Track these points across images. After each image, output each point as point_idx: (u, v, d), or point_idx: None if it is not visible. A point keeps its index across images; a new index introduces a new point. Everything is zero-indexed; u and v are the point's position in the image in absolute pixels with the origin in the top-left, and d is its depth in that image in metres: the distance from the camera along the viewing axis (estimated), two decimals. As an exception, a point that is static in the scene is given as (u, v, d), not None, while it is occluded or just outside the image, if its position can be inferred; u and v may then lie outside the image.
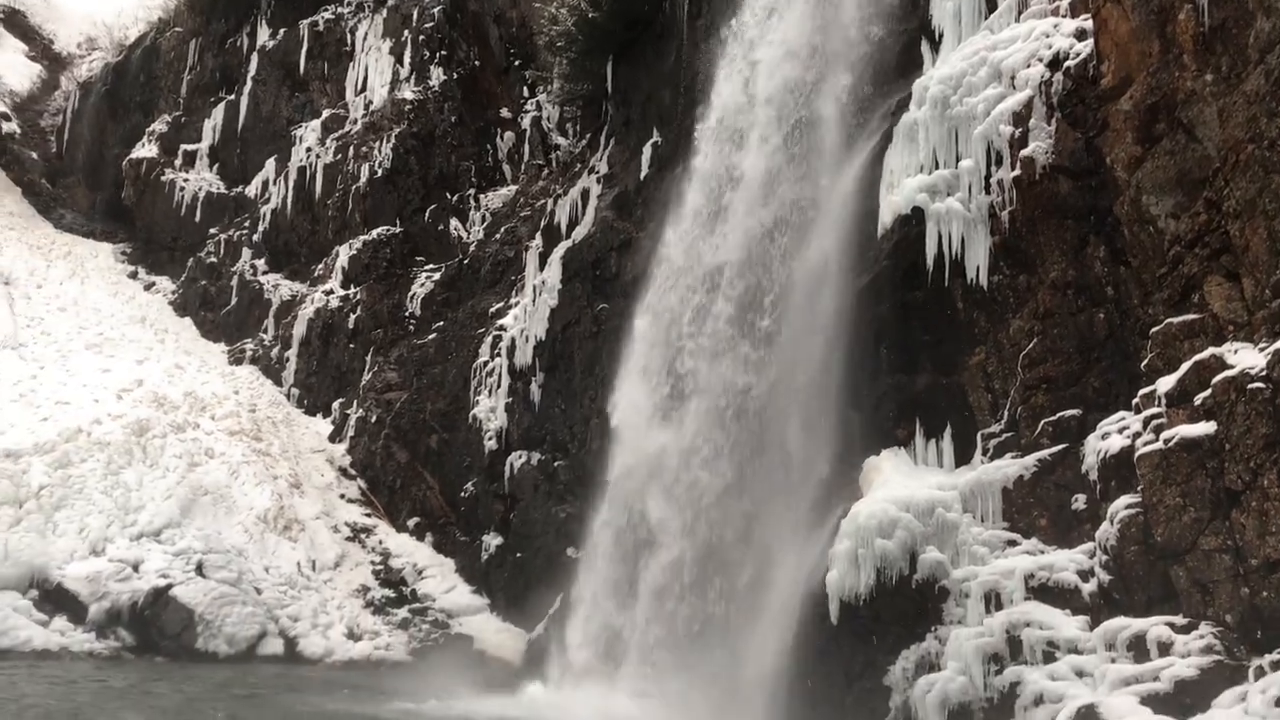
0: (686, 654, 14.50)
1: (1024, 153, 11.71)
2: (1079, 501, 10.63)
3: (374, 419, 25.12)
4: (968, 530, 11.19)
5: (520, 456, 21.58)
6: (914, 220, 12.66)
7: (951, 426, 12.43)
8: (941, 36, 13.69)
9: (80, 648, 17.40)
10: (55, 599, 18.11)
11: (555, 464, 21.02)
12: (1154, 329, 10.05)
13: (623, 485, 16.58)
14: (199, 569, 19.10)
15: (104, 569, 18.55)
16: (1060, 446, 10.92)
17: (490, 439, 22.34)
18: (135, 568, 18.79)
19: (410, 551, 22.53)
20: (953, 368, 12.72)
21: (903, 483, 11.94)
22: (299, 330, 28.70)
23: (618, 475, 16.82)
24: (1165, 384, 9.52)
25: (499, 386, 22.61)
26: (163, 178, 35.32)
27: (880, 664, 11.21)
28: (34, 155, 39.06)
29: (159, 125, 36.99)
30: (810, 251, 14.60)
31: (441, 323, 26.31)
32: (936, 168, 12.73)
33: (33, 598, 17.98)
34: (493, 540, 21.69)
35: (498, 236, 26.93)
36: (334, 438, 26.11)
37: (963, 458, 12.20)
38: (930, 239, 12.44)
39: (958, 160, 12.53)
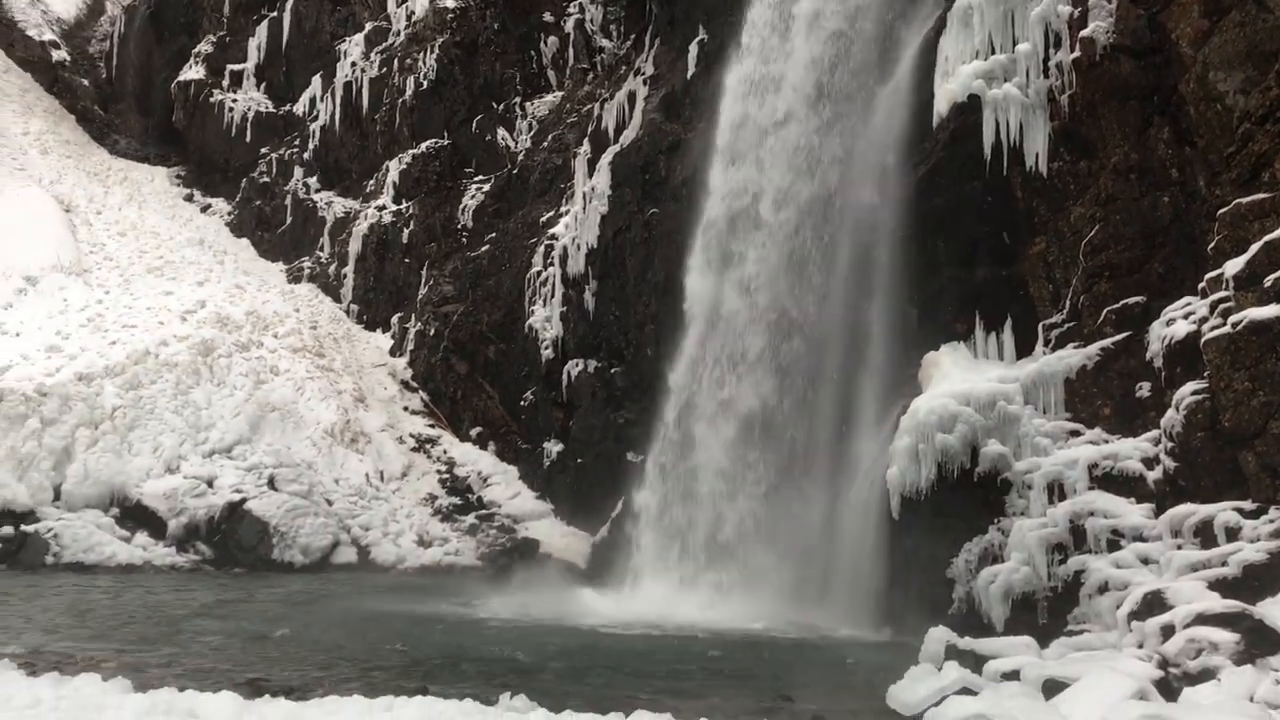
0: (752, 547, 14.69)
1: (1083, 33, 11.32)
2: (1143, 389, 10.51)
3: (432, 332, 25.39)
4: (1029, 422, 11.14)
5: (577, 364, 21.74)
6: (970, 108, 12.36)
7: (1012, 318, 12.29)
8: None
9: (162, 561, 18.07)
10: (135, 516, 18.77)
11: (612, 370, 21.15)
12: (1221, 210, 9.78)
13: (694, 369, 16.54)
14: (271, 483, 19.64)
15: (180, 485, 19.15)
16: (1124, 335, 10.76)
17: (546, 348, 22.50)
18: (209, 484, 19.37)
19: (474, 460, 22.95)
20: (1012, 259, 12.51)
21: (962, 376, 11.88)
22: (354, 247, 28.94)
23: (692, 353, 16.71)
24: (1233, 266, 9.29)
25: (553, 296, 22.68)
26: (211, 99, 35.43)
27: (942, 557, 11.28)
28: (85, 82, 39.28)
29: (204, 46, 36.97)
30: (861, 144, 14.32)
31: (493, 234, 26.34)
32: (993, 53, 12.39)
33: (114, 515, 18.67)
34: (553, 447, 21.99)
35: (545, 144, 26.73)
36: (394, 352, 26.47)
37: (1024, 350, 12.09)
38: (988, 127, 12.16)
39: (1014, 44, 12.16)
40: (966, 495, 11.23)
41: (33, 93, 36.75)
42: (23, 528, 17.88)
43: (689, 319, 16.97)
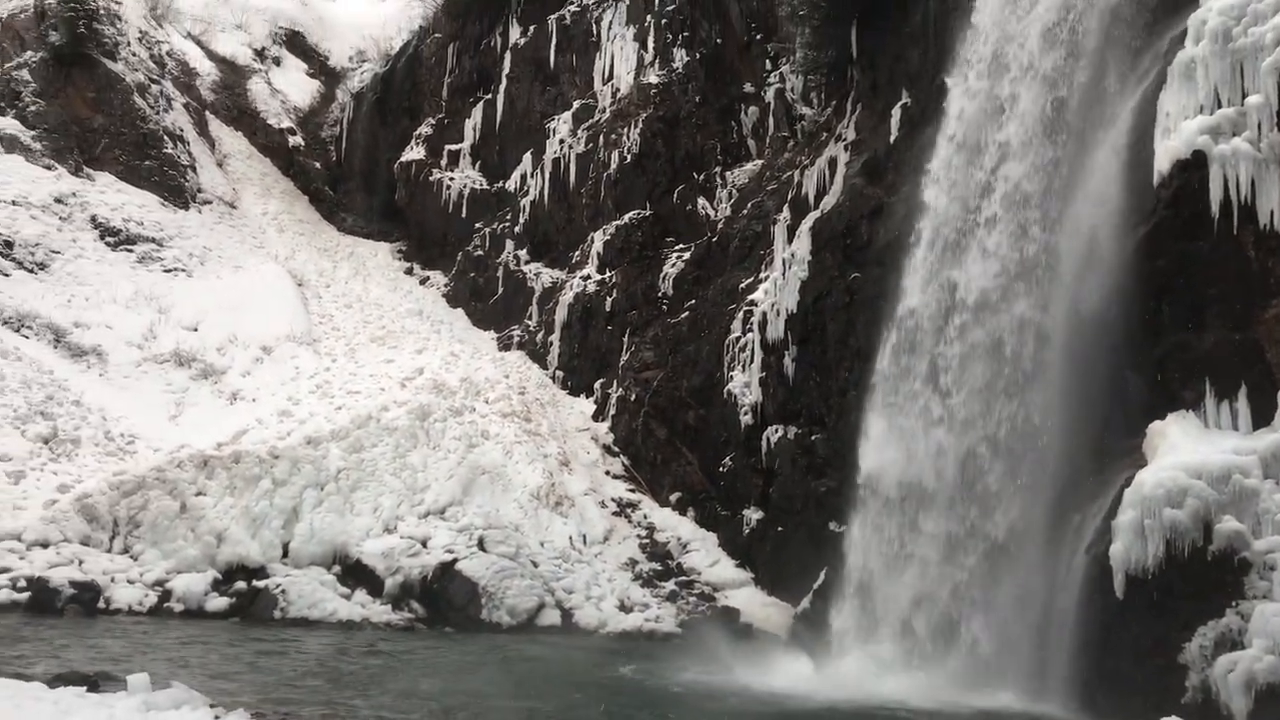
0: (961, 622, 14.11)
1: (1323, 82, 10.62)
2: (1402, 464, 9.59)
3: (633, 397, 25.82)
4: (1270, 497, 10.35)
5: (776, 430, 21.60)
6: (1195, 165, 11.74)
7: (1246, 386, 11.48)
8: (1220, -38, 12.54)
9: (379, 619, 18.88)
10: (355, 573, 19.75)
11: (812, 437, 20.89)
12: None
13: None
14: (480, 544, 20.30)
15: (396, 545, 20.05)
16: (1377, 404, 9.88)
17: (745, 414, 22.47)
18: (424, 544, 20.19)
19: (674, 526, 23.05)
20: (1246, 323, 11.71)
21: (1192, 448, 11.16)
22: (560, 315, 29.88)
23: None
24: None
25: (752, 361, 22.69)
26: (430, 177, 37.57)
27: (1173, 641, 10.54)
28: (317, 165, 42.37)
29: (424, 128, 39.33)
30: (1075, 206, 13.80)
31: (693, 301, 26.66)
32: (1219, 107, 11.76)
33: (336, 573, 19.70)
34: (753, 514, 21.85)
35: (745, 212, 26.96)
36: (597, 416, 27.04)
37: (1261, 419, 11.26)
38: (1215, 184, 11.52)
39: (1243, 97, 11.51)
40: (1199, 575, 10.48)
41: (271, 176, 39.96)
42: (254, 583, 19.11)
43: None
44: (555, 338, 29.93)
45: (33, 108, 31.32)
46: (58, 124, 31.54)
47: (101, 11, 32.97)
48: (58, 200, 29.58)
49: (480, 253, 34.84)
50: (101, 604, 18.26)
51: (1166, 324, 12.44)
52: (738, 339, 23.54)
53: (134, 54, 34.68)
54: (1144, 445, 11.82)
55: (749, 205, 26.97)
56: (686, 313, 26.53)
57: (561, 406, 27.54)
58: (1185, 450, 11.15)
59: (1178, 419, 11.72)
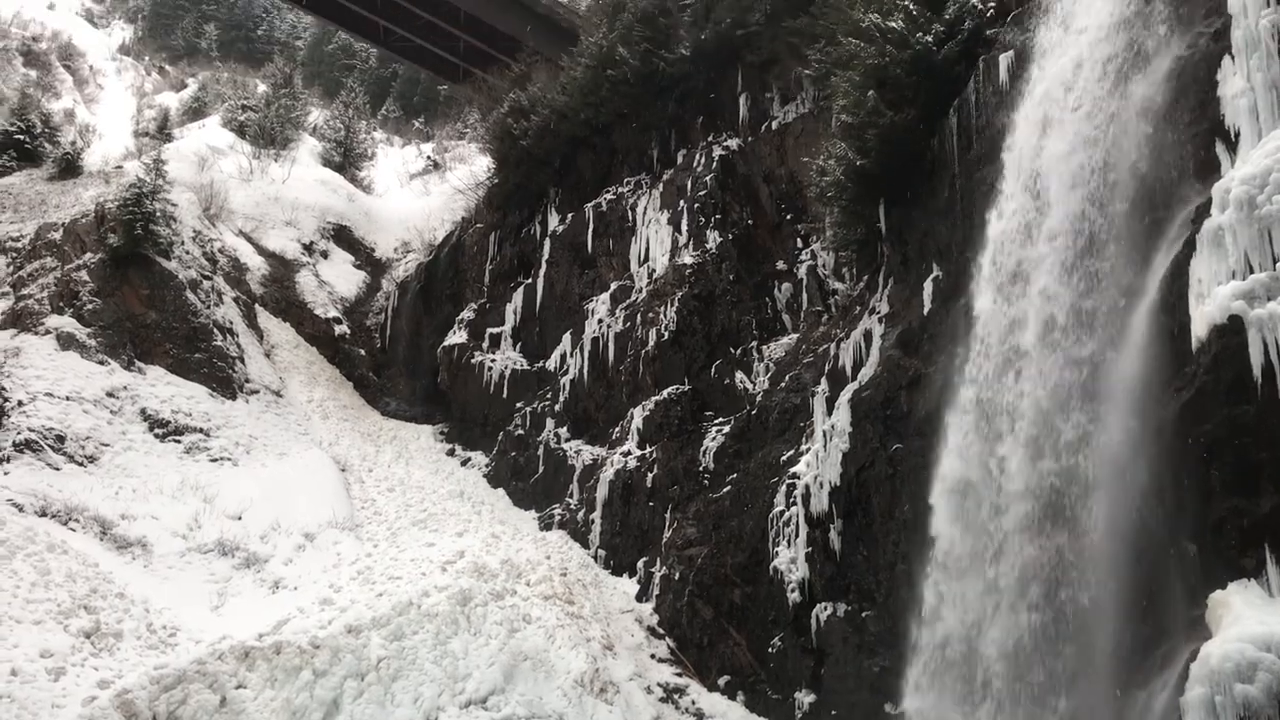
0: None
1: (1353, 244, 10.68)
2: None
3: (677, 576, 25.39)
4: (1346, 671, 9.85)
5: (825, 608, 21.07)
6: (1232, 330, 11.73)
7: (1310, 551, 11.13)
8: (1238, 135, 12.89)
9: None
10: (396, 767, 19.14)
11: (863, 614, 20.35)
12: None
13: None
14: (523, 734, 19.68)
15: (438, 737, 19.48)
16: None
17: (793, 591, 21.99)
18: (465, 735, 19.61)
19: (723, 711, 22.25)
20: (1302, 486, 11.45)
21: (1258, 618, 10.73)
22: (601, 492, 29.78)
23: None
24: None
25: (797, 536, 22.35)
26: (472, 360, 38.27)
27: (1256, 831, 9.89)
28: (362, 352, 43.35)
29: (466, 313, 40.33)
30: (1113, 376, 13.76)
31: (734, 475, 26.52)
32: (1250, 272, 11.82)
33: (376, 766, 19.10)
34: (805, 698, 21.09)
35: (783, 385, 27.10)
36: (640, 597, 26.55)
37: (1329, 587, 10.86)
38: (1254, 348, 11.47)
39: (1275, 262, 11.58)
40: (1279, 757, 9.91)
41: (317, 364, 40.88)
42: (293, 779, 18.56)
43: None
44: (596, 515, 29.76)
45: (89, 306, 32.50)
46: (112, 320, 32.64)
47: (158, 214, 34.55)
48: (109, 394, 30.33)
49: (521, 432, 35.09)
50: (136, 806, 17.80)
51: (1219, 489, 12.19)
52: (781, 513, 23.27)
53: (188, 252, 36.15)
54: (1206, 616, 11.40)
55: (786, 378, 27.13)
56: (728, 487, 26.35)
57: (604, 587, 27.10)
58: (1250, 621, 10.73)
59: (1239, 588, 11.33)
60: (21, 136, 44.62)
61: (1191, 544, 12.30)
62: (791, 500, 22.98)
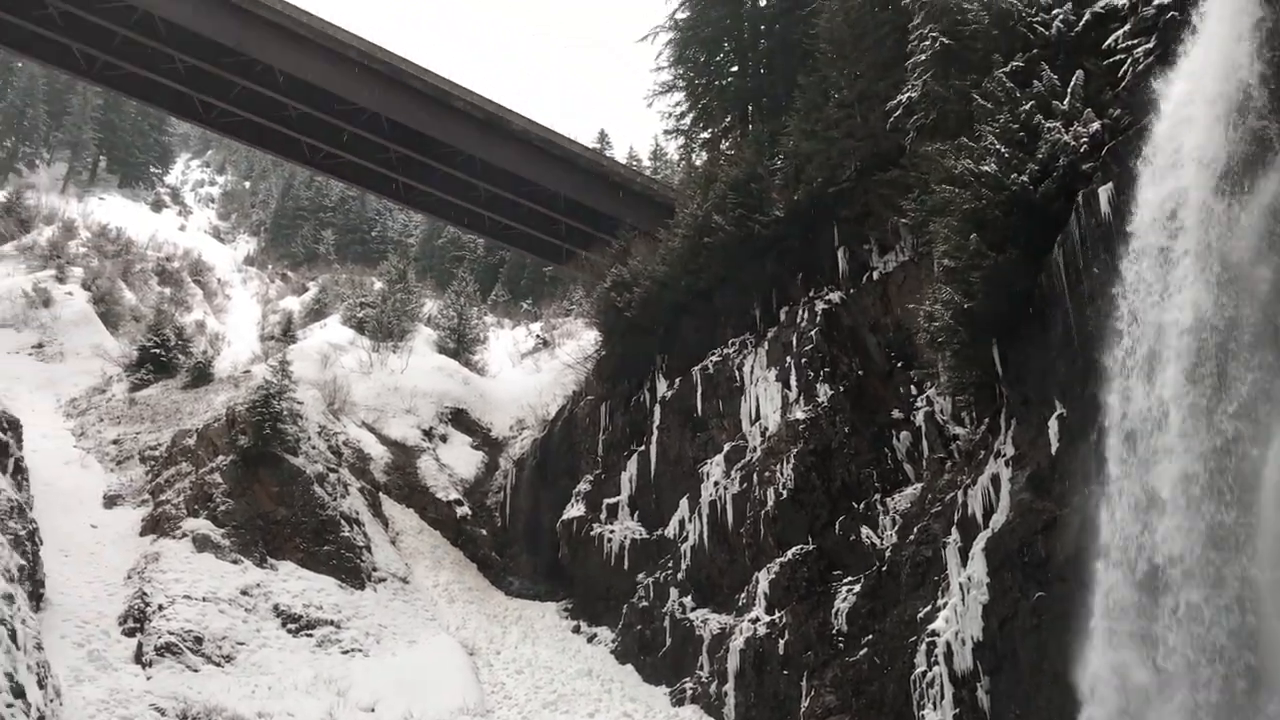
0: None
1: None
2: None
3: (820, 748, 24.25)
4: None
5: (983, 774, 19.83)
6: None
7: None
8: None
9: None
10: None
11: (1024, 779, 19.07)
12: None
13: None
14: None
15: None
16: None
17: (946, 757, 20.78)
18: None
19: None
20: None
21: None
22: (732, 663, 28.90)
23: None
24: None
25: (943, 698, 21.25)
26: (591, 532, 38.14)
27: None
28: (483, 532, 43.62)
29: (583, 485, 40.46)
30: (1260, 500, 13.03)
31: (870, 636, 25.53)
32: None
33: None
34: None
35: (912, 537, 26.26)
36: (783, 772, 25.37)
37: None
38: None
39: None
40: None
41: (441, 548, 41.22)
42: None
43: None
44: (729, 688, 28.81)
45: (223, 507, 33.57)
46: (245, 519, 33.60)
47: (285, 412, 35.87)
48: (243, 592, 30.97)
49: (645, 604, 34.54)
50: None
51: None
52: (924, 673, 22.21)
53: (314, 447, 37.30)
54: None
55: (915, 530, 26.31)
56: (865, 649, 25.34)
57: (744, 764, 26.01)
58: None
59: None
60: (158, 350, 47.19)
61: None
62: (933, 659, 21.95)
